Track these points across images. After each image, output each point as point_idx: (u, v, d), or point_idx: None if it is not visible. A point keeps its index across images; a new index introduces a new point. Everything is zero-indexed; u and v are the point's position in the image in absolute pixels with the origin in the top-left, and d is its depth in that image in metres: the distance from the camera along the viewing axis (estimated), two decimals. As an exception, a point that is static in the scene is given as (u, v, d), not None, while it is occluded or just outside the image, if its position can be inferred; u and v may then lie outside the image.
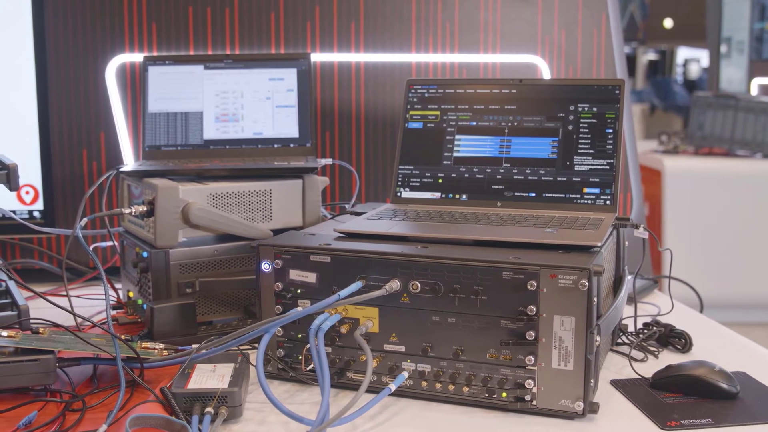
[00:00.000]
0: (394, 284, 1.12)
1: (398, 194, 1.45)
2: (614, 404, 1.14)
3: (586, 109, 1.38)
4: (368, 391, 1.05)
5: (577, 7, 2.00)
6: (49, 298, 1.29)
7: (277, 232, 1.41)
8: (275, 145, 1.70)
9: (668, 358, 1.32)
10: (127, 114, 1.91)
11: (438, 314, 1.12)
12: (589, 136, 1.36)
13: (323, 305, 1.11)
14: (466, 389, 1.12)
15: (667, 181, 3.87)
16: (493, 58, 1.99)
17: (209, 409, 1.03)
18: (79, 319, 1.32)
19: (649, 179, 3.87)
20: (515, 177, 1.39)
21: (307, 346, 1.14)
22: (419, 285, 1.12)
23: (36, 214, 1.72)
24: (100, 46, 1.90)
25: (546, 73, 2.00)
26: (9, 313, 1.32)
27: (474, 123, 1.43)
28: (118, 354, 1.13)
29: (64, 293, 1.37)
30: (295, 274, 1.19)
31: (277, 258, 1.19)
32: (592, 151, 1.36)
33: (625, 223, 1.32)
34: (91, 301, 1.62)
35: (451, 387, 1.12)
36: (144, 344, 1.23)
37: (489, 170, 1.40)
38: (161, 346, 1.23)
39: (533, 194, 1.37)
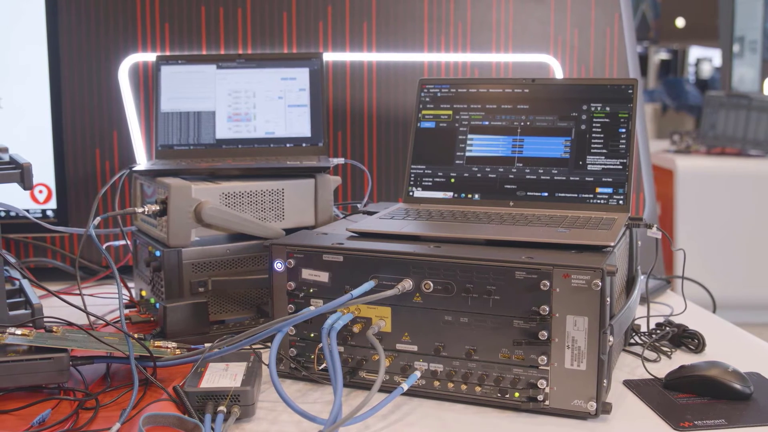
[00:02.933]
0: (407, 284, 1.12)
1: (410, 194, 1.45)
2: (627, 405, 1.13)
3: (598, 108, 1.37)
4: (381, 390, 1.05)
5: (589, 7, 1.99)
6: (63, 296, 1.29)
7: (289, 231, 1.41)
8: (287, 145, 1.71)
9: (681, 358, 1.32)
10: (139, 113, 1.92)
11: (450, 314, 1.12)
12: (601, 135, 1.36)
13: (336, 304, 1.11)
14: (478, 389, 1.12)
15: (679, 180, 3.85)
16: (506, 58, 1.99)
17: (222, 408, 1.03)
18: (92, 318, 1.32)
19: (661, 179, 3.85)
20: (528, 176, 1.38)
21: (320, 345, 1.14)
22: (432, 284, 1.12)
23: (49, 213, 1.73)
24: (113, 45, 1.90)
25: (558, 73, 1.99)
26: (23, 311, 1.33)
27: (486, 122, 1.43)
28: (131, 353, 1.13)
29: (78, 292, 1.37)
30: (307, 274, 1.19)
31: (289, 257, 1.19)
32: (604, 151, 1.35)
33: (638, 223, 1.32)
34: (104, 300, 1.63)
35: (464, 387, 1.12)
36: (157, 343, 1.23)
37: (501, 170, 1.40)
38: (174, 344, 1.24)
39: (546, 194, 1.37)
